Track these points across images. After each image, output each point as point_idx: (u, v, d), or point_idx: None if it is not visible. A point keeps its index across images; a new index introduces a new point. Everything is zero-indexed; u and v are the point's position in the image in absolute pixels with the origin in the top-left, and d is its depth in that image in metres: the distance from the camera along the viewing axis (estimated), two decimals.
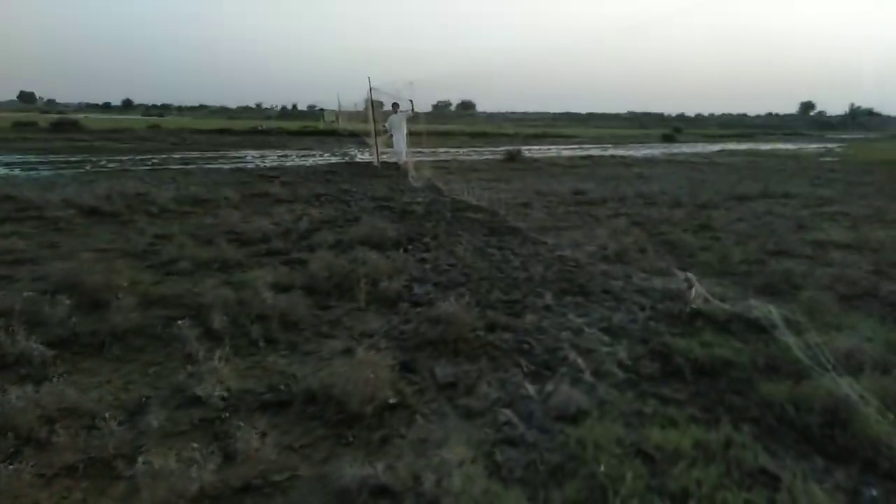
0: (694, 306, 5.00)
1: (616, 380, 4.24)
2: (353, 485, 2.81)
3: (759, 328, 5.05)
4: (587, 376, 4.27)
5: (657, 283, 6.66)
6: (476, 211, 11.29)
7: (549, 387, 4.09)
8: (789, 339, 4.06)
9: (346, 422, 3.51)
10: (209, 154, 24.07)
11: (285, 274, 6.50)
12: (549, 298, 6.17)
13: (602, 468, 2.93)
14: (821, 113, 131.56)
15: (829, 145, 41.53)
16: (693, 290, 4.91)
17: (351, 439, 3.36)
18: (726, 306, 4.52)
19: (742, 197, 13.83)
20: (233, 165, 19.54)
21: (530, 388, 4.07)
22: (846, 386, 3.55)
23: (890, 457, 3.05)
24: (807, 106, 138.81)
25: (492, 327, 5.26)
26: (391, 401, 3.76)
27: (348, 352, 4.52)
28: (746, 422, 3.60)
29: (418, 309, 5.69)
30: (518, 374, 4.30)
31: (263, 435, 3.34)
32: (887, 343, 4.50)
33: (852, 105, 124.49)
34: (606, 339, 5.04)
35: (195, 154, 23.60)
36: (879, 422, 3.34)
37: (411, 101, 19.03)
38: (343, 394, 3.66)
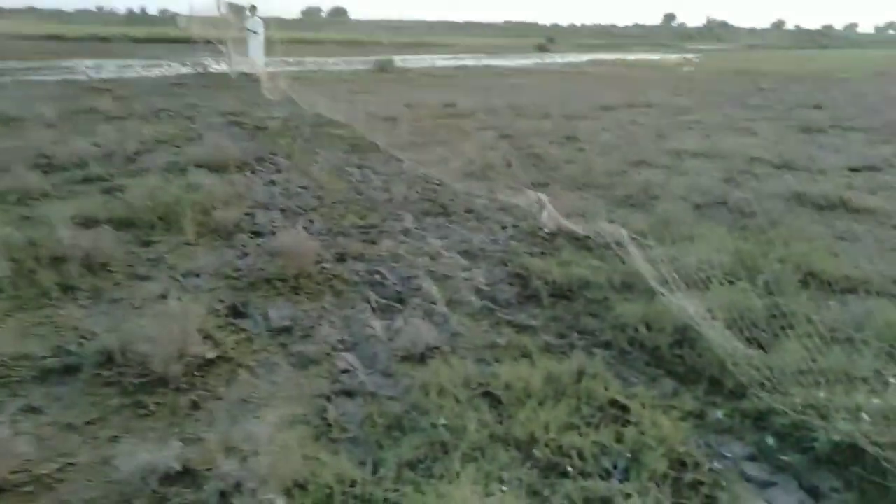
0: (546, 230, 4.75)
1: (472, 309, 3.93)
2: (140, 470, 2.27)
3: (617, 244, 4.94)
4: (441, 307, 3.92)
5: (521, 199, 6.41)
6: (338, 126, 10.47)
7: (399, 322, 3.70)
8: (638, 258, 3.91)
9: (149, 387, 2.93)
10: (33, 64, 20.74)
11: (100, 205, 5.53)
12: (409, 221, 5.73)
13: (443, 420, 2.59)
14: (682, 24, 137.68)
15: (688, 55, 43.55)
16: (545, 212, 4.64)
17: (152, 408, 2.79)
18: (577, 228, 4.30)
19: (608, 107, 13.95)
20: (60, 77, 16.92)
21: (377, 326, 3.66)
22: (694, 304, 3.45)
23: (734, 374, 2.98)
24: (669, 17, 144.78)
25: (342, 257, 4.75)
26: (209, 355, 3.20)
27: (166, 297, 3.85)
28: (600, 347, 3.43)
29: (259, 240, 5.04)
30: (366, 311, 3.87)
31: (34, 412, 2.69)
32: (736, 253, 4.53)
33: (709, 17, 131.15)
34: (465, 262, 4.71)
35: (13, 64, 20.21)
36: (725, 338, 3.27)
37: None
38: (146, 351, 3.04)
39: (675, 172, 7.73)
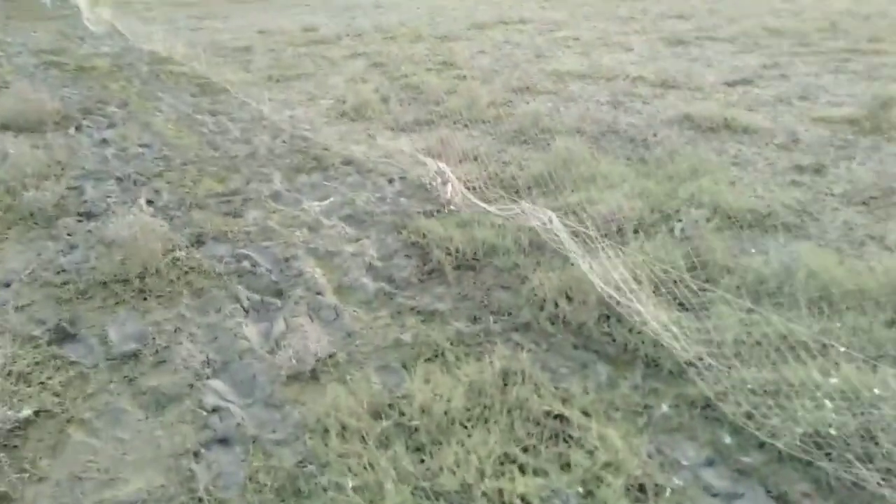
0: (453, 207, 4.14)
1: (366, 295, 3.32)
2: None
3: (517, 193, 4.47)
4: (329, 297, 3.28)
5: (404, 143, 5.73)
6: (182, 63, 9.01)
7: (279, 326, 3.03)
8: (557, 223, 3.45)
9: None
10: None
11: None
12: (278, 181, 4.91)
13: (351, 481, 2.03)
14: None
15: None
16: (449, 187, 3.99)
17: None
18: (491, 209, 3.73)
19: (481, 25, 13.24)
20: None
21: (253, 335, 2.97)
22: (615, 266, 3.06)
23: (670, 352, 2.65)
24: None
25: (199, 240, 3.91)
26: (23, 413, 2.39)
27: None
28: (520, 331, 2.98)
29: (90, 226, 4.05)
30: (236, 314, 3.14)
31: None
32: (643, 195, 4.21)
33: None
34: (351, 231, 4.04)
35: None
36: (655, 305, 2.93)
37: None
38: None
39: (562, 99, 7.34)
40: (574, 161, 4.94)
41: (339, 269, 3.60)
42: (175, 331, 2.98)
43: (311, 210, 4.38)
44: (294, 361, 2.69)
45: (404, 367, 2.72)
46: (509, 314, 3.12)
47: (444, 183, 4.04)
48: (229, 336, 2.96)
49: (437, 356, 2.77)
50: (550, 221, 3.09)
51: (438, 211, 4.23)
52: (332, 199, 4.58)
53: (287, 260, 3.68)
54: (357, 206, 4.39)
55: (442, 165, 4.06)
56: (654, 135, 5.41)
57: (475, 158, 5.27)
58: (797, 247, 3.65)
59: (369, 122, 6.49)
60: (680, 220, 3.76)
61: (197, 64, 8.77)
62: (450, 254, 3.62)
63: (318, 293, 3.31)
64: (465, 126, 6.29)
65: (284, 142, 5.82)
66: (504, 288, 3.35)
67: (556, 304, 3.08)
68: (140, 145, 5.74)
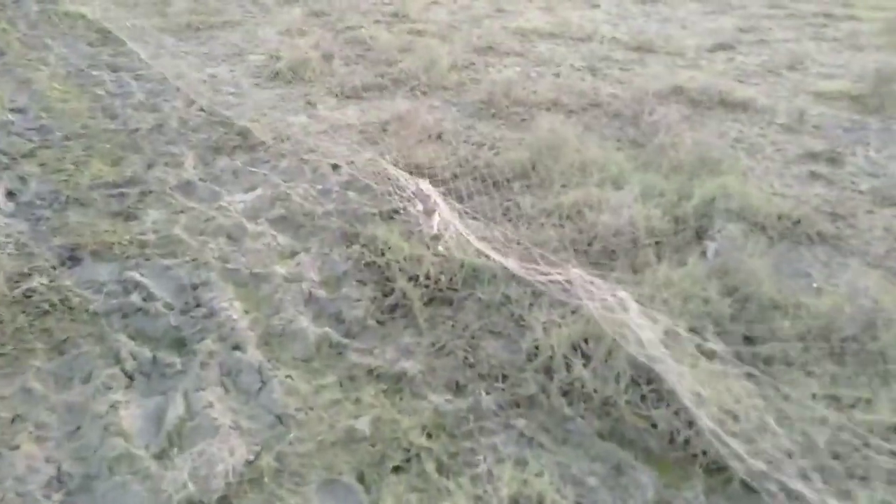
0: (441, 250, 3.02)
1: (306, 349, 2.40)
2: None
3: (496, 186, 3.59)
4: (251, 353, 2.35)
5: (352, 115, 4.71)
6: (79, 2, 7.53)
7: (176, 408, 2.08)
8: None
9: None
10: None
11: None
12: (190, 165, 3.83)
13: None
14: None
15: None
16: (436, 218, 2.85)
17: None
18: (513, 266, 2.66)
19: None
20: None
21: (133, 426, 2.02)
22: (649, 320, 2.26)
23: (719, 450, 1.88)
24: None
25: (72, 257, 2.87)
26: None
27: None
28: (524, 411, 2.14)
29: None
30: (115, 384, 2.17)
31: None
32: (651, 193, 3.39)
33: None
34: (285, 242, 3.08)
35: None
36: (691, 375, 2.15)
37: None
38: None
39: (531, 62, 6.40)
40: (558, 145, 4.07)
41: (268, 302, 2.65)
42: (13, 420, 2.00)
43: (233, 208, 3.37)
44: (191, 486, 1.78)
45: (361, 481, 1.85)
46: (504, 379, 2.28)
47: (430, 213, 2.95)
48: (97, 427, 2.00)
49: (408, 462, 1.91)
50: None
51: (400, 211, 3.31)
52: (259, 191, 3.57)
53: (195, 289, 2.71)
54: (292, 204, 3.40)
55: (424, 186, 2.98)
56: (650, 113, 4.60)
57: (439, 137, 4.33)
58: (847, 267, 2.94)
59: (308, 85, 5.40)
60: (713, 240, 2.97)
61: (99, 5, 7.34)
62: (418, 281, 2.72)
63: (237, 347, 2.37)
64: (423, 93, 5.30)
65: (202, 110, 4.69)
66: (494, 334, 2.49)
67: (569, 366, 2.26)
68: (12, 110, 4.50)
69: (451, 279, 2.74)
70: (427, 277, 2.73)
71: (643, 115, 4.70)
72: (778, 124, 5.04)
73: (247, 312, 2.59)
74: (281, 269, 2.85)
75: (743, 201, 3.33)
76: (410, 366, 2.31)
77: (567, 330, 2.35)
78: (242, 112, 4.67)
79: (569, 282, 2.31)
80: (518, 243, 2.71)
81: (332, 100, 5.08)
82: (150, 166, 3.79)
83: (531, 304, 2.61)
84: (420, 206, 2.99)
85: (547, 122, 4.41)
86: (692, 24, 8.77)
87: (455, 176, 3.66)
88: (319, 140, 4.26)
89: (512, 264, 2.54)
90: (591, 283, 2.24)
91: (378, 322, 2.56)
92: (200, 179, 3.67)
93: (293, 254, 3.02)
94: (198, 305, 2.60)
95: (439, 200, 2.87)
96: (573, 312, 2.41)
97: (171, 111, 4.61)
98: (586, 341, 2.31)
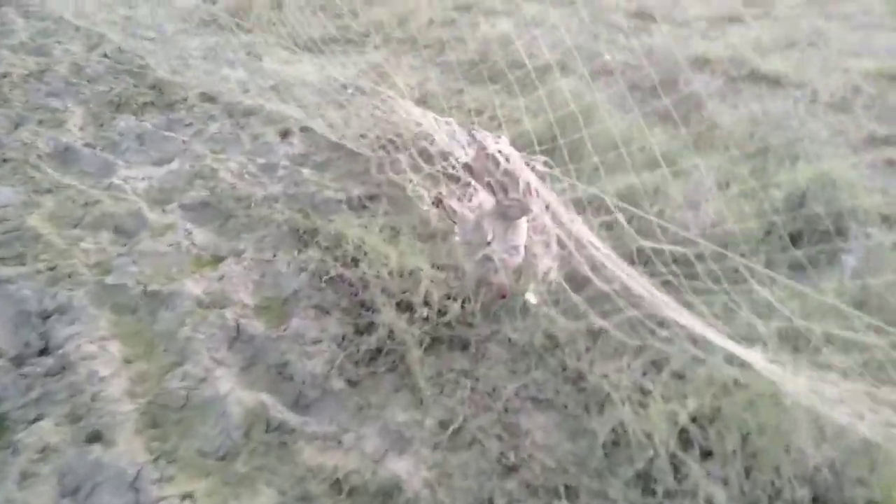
0: (532, 299, 1.68)
1: (216, 440, 1.39)
2: None
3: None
4: (127, 450, 1.32)
5: (309, 70, 3.65)
6: None
7: None
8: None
9: None
10: None
11: None
12: (76, 124, 2.72)
13: None
14: None
15: None
16: (522, 227, 1.44)
17: None
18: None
19: None
20: None
21: None
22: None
23: None
24: None
25: None
26: None
27: None
28: None
29: None
30: None
31: None
32: (726, 181, 2.48)
33: None
34: (203, 240, 2.04)
35: None
36: None
37: None
38: None
39: (521, 23, 5.42)
40: (584, 117, 3.11)
41: (167, 345, 1.62)
42: None
43: (130, 187, 2.29)
44: None
45: None
46: (570, 494, 1.32)
47: (524, 210, 1.50)
48: None
49: None
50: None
51: (369, 202, 2.29)
52: (175, 164, 2.50)
53: (46, 319, 1.65)
54: (220, 184, 2.35)
55: (481, 136, 1.55)
56: (686, 83, 3.71)
57: (424, 103, 3.32)
58: None
59: (252, 34, 4.28)
60: (849, 251, 2.06)
61: None
62: (412, 311, 1.72)
63: (95, 436, 1.34)
64: (403, 49, 4.26)
65: (107, 56, 3.54)
66: (541, 405, 1.53)
67: (681, 471, 1.32)
68: None
69: (463, 306, 1.75)
70: (426, 304, 1.73)
71: (677, 86, 3.79)
72: (823, 103, 4.25)
73: (128, 363, 1.56)
74: (194, 287, 1.81)
75: (847, 195, 2.45)
76: (406, 469, 1.33)
77: (669, 406, 1.42)
78: (160, 62, 3.54)
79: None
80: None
81: (282, 52, 3.99)
82: (16, 125, 2.66)
83: (588, 350, 1.66)
84: (478, 193, 1.67)
85: (557, 88, 3.45)
86: None
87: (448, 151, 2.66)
88: (265, 100, 3.19)
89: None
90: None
91: (349, 382, 1.56)
92: (87, 145, 2.56)
93: (216, 260, 1.98)
94: (43, 352, 1.55)
95: (530, 176, 1.50)
96: (676, 375, 1.47)
97: (62, 55, 3.45)
98: (708, 423, 1.38)
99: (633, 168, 2.63)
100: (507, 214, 1.43)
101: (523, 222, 1.50)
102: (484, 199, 1.50)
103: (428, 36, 4.57)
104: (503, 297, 1.41)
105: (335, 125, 2.87)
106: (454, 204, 1.45)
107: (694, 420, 1.41)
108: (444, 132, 1.81)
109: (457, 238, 1.39)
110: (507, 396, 1.54)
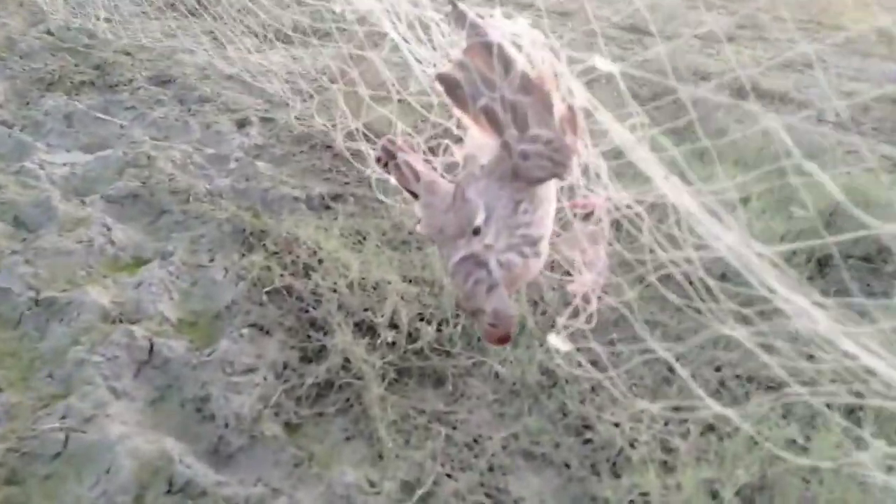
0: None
1: (109, 499, 1.01)
2: None
3: None
4: None
5: (276, 60, 3.30)
6: None
7: None
8: None
9: None
10: None
11: None
12: None
13: None
14: None
15: None
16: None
17: None
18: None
19: None
20: None
21: None
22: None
23: None
24: None
25: None
26: None
27: None
28: None
29: None
30: None
31: None
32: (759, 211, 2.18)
33: None
34: (124, 238, 1.66)
35: None
36: None
37: None
38: None
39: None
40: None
41: (55, 367, 1.24)
42: None
43: (45, 174, 1.90)
44: None
45: None
46: None
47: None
48: None
49: None
50: None
51: (334, 202, 1.93)
52: (108, 151, 2.12)
53: None
54: (156, 174, 1.97)
55: (474, 14, 0.81)
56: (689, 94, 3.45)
57: (404, 100, 2.99)
58: None
59: (218, 21, 3.93)
60: None
61: None
62: (374, 334, 1.36)
63: None
64: (378, 43, 3.92)
65: (50, 33, 3.15)
66: (531, 460, 1.18)
67: None
68: None
69: (440, 329, 1.40)
70: (393, 326, 1.37)
71: (678, 97, 3.52)
72: (830, 122, 4.03)
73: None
74: (100, 295, 1.43)
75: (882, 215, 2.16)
76: None
77: (704, 472, 1.07)
78: (110, 43, 3.16)
79: None
80: None
81: (248, 40, 3.63)
82: None
83: (595, 390, 1.31)
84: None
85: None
86: (682, 14, 7.84)
87: (432, 147, 2.32)
88: (223, 88, 2.83)
89: None
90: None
91: (287, 427, 1.19)
92: (2, 123, 2.17)
93: (137, 263, 1.61)
94: None
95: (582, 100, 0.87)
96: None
97: None
98: (757, 496, 1.04)
99: (639, 178, 2.32)
100: (521, 173, 0.74)
101: (552, 191, 0.80)
102: (474, 145, 0.80)
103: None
104: (505, 339, 0.73)
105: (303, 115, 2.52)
106: (414, 161, 0.86)
107: (738, 493, 1.07)
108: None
109: (417, 225, 0.76)
110: (492, 450, 1.18)
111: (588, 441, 1.23)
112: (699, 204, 0.79)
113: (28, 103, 2.38)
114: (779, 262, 0.72)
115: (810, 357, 1.52)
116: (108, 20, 3.55)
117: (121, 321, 1.38)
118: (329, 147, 2.32)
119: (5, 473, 1.06)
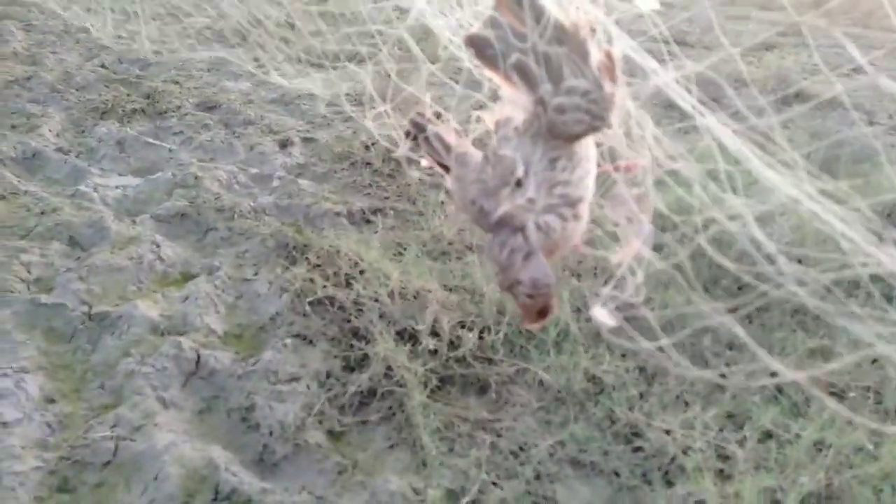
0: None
1: None
2: None
3: None
4: None
5: (316, 84, 3.38)
6: None
7: None
8: None
9: None
10: None
11: None
12: (52, 130, 2.45)
13: None
14: None
15: None
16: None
17: None
18: None
19: None
20: None
21: None
22: None
23: None
24: None
25: None
26: None
27: None
28: None
29: None
30: None
31: None
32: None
33: None
34: (161, 255, 1.71)
35: None
36: None
37: None
38: None
39: None
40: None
41: (105, 378, 1.27)
42: None
43: (99, 196, 1.98)
44: None
45: None
46: None
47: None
48: None
49: None
50: None
51: (374, 213, 1.95)
52: (158, 174, 2.19)
53: None
54: (203, 194, 2.02)
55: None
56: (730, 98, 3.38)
57: (438, 117, 3.01)
58: None
59: (262, 51, 4.06)
60: None
61: None
62: (416, 343, 1.35)
63: None
64: (415, 67, 3.97)
65: (104, 66, 3.31)
66: (579, 468, 1.14)
67: None
68: None
69: (481, 336, 1.38)
70: (434, 334, 1.37)
71: (721, 102, 3.46)
72: (882, 125, 3.88)
73: (48, 404, 1.21)
74: (150, 309, 1.47)
75: None
76: None
77: (763, 480, 1.02)
78: (160, 73, 3.30)
79: None
80: None
81: (290, 67, 3.73)
82: None
83: (643, 396, 1.27)
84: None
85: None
86: (720, 24, 7.70)
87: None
88: (266, 111, 2.91)
89: None
90: None
91: (330, 435, 1.19)
92: (59, 150, 2.28)
93: (185, 278, 1.64)
94: None
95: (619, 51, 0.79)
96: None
97: (54, 64, 3.22)
98: None
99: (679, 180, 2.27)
100: (558, 128, 0.69)
101: (592, 151, 0.75)
102: (507, 109, 0.76)
103: (446, 55, 4.31)
104: (544, 313, 0.68)
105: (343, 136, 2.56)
106: (445, 133, 0.81)
107: (802, 502, 1.01)
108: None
109: (451, 207, 0.71)
110: (538, 458, 1.15)
111: (638, 449, 1.18)
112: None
113: (83, 131, 2.49)
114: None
115: (874, 361, 1.44)
116: (156, 52, 3.71)
117: (169, 334, 1.41)
118: (369, 164, 2.35)
119: (57, 482, 1.08)
